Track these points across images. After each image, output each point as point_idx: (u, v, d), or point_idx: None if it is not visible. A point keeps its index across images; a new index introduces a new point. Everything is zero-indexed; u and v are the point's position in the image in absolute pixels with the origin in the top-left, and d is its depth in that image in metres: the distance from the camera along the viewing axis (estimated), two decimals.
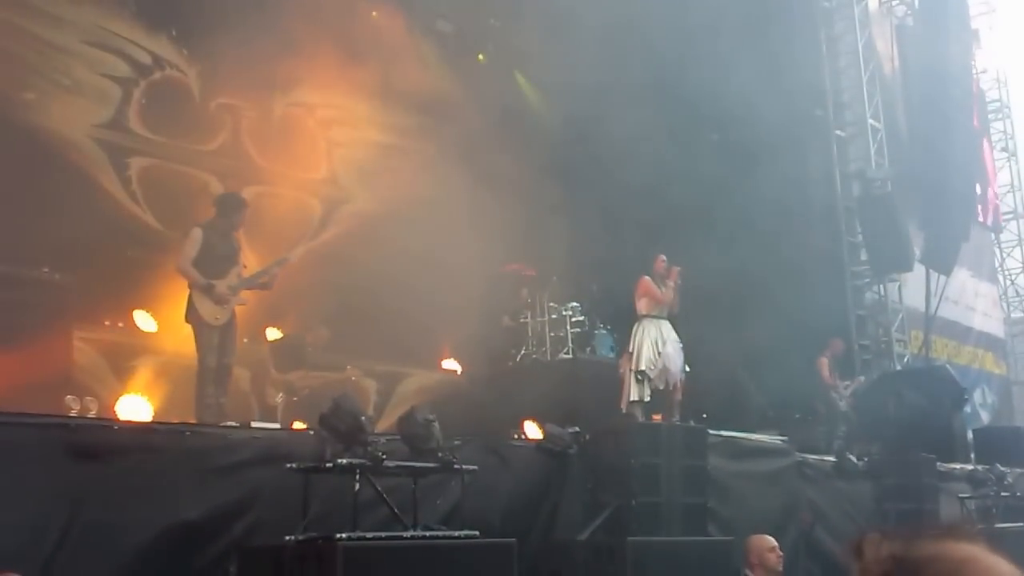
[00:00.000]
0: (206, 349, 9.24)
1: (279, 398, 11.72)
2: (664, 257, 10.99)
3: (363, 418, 6.85)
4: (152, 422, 9.34)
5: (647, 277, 10.83)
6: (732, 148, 15.00)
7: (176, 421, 8.31)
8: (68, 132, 11.82)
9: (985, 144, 23.05)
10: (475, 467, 7.46)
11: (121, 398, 10.24)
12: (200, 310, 9.25)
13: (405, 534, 6.79)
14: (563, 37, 15.21)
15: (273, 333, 12.60)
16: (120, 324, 11.32)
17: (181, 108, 13.12)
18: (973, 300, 21.79)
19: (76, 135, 11.95)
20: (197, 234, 9.42)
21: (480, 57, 16.62)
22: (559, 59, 15.62)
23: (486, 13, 16.04)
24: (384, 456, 6.68)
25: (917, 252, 17.61)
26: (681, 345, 10.74)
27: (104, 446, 6.60)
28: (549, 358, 13.90)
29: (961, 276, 20.42)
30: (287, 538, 6.41)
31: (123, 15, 12.58)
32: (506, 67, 16.87)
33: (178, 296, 10.15)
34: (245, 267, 9.69)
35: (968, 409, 18.02)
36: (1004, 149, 24.47)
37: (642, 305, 10.80)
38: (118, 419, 9.10)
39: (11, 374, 9.13)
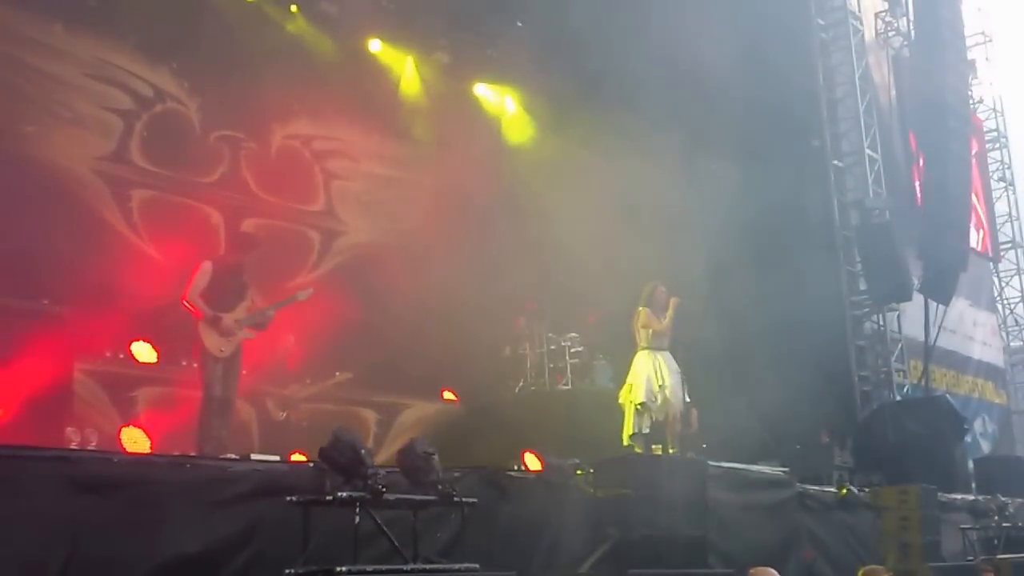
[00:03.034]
0: (211, 381, 9.30)
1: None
2: (664, 287, 10.98)
3: (363, 451, 6.85)
4: (152, 454, 9.36)
5: (646, 308, 10.81)
6: (730, 179, 15.05)
7: (176, 453, 8.31)
8: (69, 165, 11.86)
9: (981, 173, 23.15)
10: (475, 499, 7.45)
11: (122, 430, 10.24)
12: (206, 342, 9.32)
13: (405, 567, 6.78)
14: (557, 70, 15.33)
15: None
16: (120, 355, 11.32)
17: (182, 140, 13.19)
18: (972, 330, 21.78)
19: (77, 168, 11.99)
20: (207, 267, 9.53)
21: (475, 88, 16.70)
22: (553, 91, 15.76)
23: (483, 43, 16.13)
24: (384, 489, 6.68)
25: (916, 282, 17.63)
26: (682, 376, 10.72)
27: (104, 479, 6.58)
28: (548, 389, 13.91)
29: (960, 306, 20.41)
30: (287, 571, 6.40)
31: (124, 48, 12.65)
32: (501, 97, 16.98)
33: (178, 328, 10.18)
34: (252, 303, 9.77)
35: (968, 439, 17.98)
36: (1002, 179, 24.51)
37: (641, 337, 10.78)
38: (118, 451, 9.10)
39: (12, 406, 9.14)
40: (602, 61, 14.74)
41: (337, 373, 13.15)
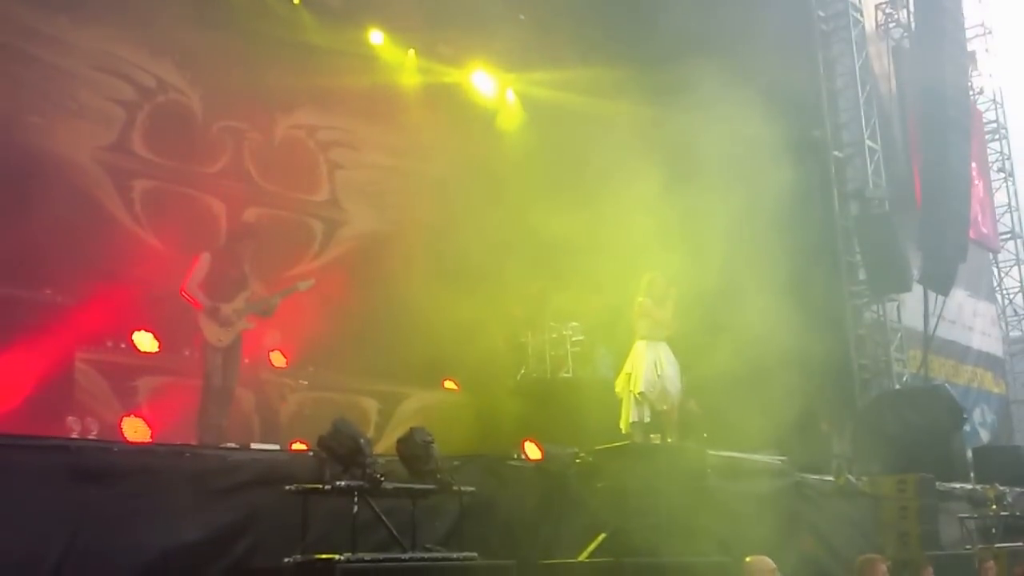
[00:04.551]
0: (211, 370, 9.38)
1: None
2: (663, 278, 10.99)
3: (362, 440, 6.90)
4: (152, 443, 9.41)
5: (646, 299, 10.83)
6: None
7: (177, 442, 8.36)
8: (72, 155, 11.88)
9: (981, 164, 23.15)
10: (473, 488, 7.50)
11: (123, 419, 10.29)
12: (205, 332, 9.39)
13: (403, 556, 6.83)
14: (558, 62, 15.33)
15: (277, 358, 12.66)
16: (122, 345, 11.36)
17: (184, 131, 13.21)
18: (971, 320, 21.84)
19: (80, 158, 12.02)
20: (206, 258, 9.62)
21: (477, 79, 16.68)
22: (553, 81, 15.75)
23: (485, 35, 16.12)
24: (382, 478, 6.73)
25: (915, 272, 17.66)
26: (678, 366, 10.74)
27: (104, 468, 6.64)
28: (549, 376, 13.91)
29: (959, 296, 20.48)
30: (286, 560, 6.46)
31: (127, 39, 12.66)
32: (502, 88, 16.98)
33: (180, 317, 10.24)
34: (254, 293, 9.82)
35: (967, 428, 18.04)
36: (1001, 170, 24.55)
37: (641, 327, 10.79)
38: (119, 441, 9.16)
39: (13, 395, 9.19)
40: (601, 53, 14.73)
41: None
